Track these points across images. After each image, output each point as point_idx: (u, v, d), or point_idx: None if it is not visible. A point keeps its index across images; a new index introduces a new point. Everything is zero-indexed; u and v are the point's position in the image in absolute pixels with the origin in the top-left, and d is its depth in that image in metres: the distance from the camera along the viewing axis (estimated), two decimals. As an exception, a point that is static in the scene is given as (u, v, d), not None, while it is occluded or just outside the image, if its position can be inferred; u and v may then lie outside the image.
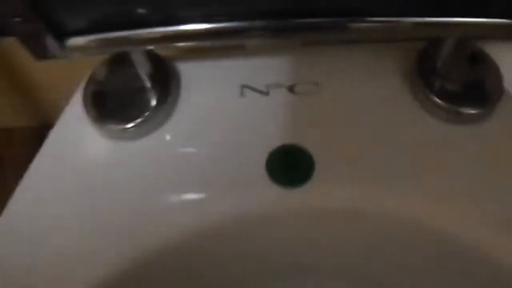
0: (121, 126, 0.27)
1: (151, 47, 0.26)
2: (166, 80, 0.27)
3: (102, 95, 0.27)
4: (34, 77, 0.72)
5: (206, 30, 0.22)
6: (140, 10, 0.22)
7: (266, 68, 0.29)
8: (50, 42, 0.23)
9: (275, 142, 0.26)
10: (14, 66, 0.69)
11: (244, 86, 0.28)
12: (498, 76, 0.30)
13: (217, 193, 0.25)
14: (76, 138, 0.28)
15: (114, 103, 0.27)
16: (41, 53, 0.24)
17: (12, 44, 0.65)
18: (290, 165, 0.26)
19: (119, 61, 0.27)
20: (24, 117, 0.78)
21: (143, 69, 0.26)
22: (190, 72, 0.28)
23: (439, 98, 0.28)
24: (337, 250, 0.31)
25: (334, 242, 0.30)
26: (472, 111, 0.28)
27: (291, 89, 0.28)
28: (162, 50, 0.28)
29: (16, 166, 0.74)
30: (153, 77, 0.27)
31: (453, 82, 0.29)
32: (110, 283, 0.25)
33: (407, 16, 0.25)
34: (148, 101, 0.27)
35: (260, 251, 0.30)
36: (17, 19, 0.22)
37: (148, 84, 0.27)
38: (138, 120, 0.27)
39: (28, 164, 0.74)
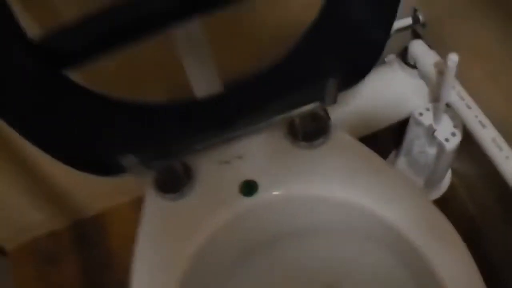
0: (172, 195, 0.61)
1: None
2: (188, 171, 0.62)
3: (164, 182, 0.62)
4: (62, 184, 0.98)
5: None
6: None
7: (228, 148, 0.64)
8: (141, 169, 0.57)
9: (242, 179, 0.62)
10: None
11: (220, 162, 0.63)
12: (327, 120, 0.66)
13: (222, 207, 0.60)
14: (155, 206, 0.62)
15: (168, 185, 0.61)
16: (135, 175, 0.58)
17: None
18: (249, 187, 0.61)
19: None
20: (64, 218, 1.07)
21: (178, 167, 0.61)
22: (195, 162, 0.63)
23: (300, 139, 0.64)
24: (289, 221, 0.66)
25: (287, 217, 0.65)
26: (317, 141, 0.64)
27: (240, 157, 0.64)
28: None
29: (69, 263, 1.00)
30: (183, 170, 0.62)
31: (305, 129, 0.64)
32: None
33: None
34: (183, 181, 0.62)
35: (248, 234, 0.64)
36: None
37: (182, 173, 0.62)
38: (180, 191, 0.61)
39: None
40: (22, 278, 1.06)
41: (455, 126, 0.78)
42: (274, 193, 0.62)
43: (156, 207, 0.61)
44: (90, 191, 1.01)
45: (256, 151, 0.64)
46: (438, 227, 0.58)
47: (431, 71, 0.78)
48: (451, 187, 0.95)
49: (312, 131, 0.65)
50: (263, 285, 0.69)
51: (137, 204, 0.65)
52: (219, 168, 0.63)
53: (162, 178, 0.62)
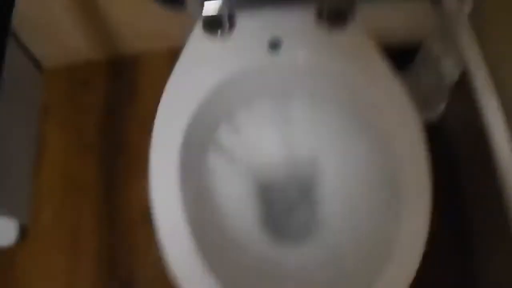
0: (214, 36, 0.75)
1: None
2: (231, 21, 0.76)
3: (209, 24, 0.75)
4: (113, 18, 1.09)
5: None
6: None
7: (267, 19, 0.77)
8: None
9: (271, 36, 0.75)
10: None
11: (257, 22, 0.76)
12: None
13: (251, 54, 0.74)
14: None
15: (213, 27, 0.75)
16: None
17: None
18: (274, 44, 0.75)
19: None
20: (104, 50, 1.19)
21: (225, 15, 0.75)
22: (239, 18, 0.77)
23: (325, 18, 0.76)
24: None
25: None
26: (339, 24, 0.77)
27: (274, 26, 0.77)
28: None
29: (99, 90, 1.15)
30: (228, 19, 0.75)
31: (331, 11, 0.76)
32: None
33: None
34: (225, 28, 0.75)
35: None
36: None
37: (226, 22, 0.75)
38: (222, 34, 0.74)
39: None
40: (53, 94, 1.22)
41: (457, 63, 0.90)
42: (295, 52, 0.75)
43: (197, 43, 0.75)
44: (136, 30, 1.14)
45: (287, 21, 0.77)
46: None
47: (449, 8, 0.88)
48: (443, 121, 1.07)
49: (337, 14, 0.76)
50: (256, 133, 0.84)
51: (172, 55, 0.77)
52: (254, 26, 0.76)
53: (209, 21, 0.75)
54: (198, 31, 0.76)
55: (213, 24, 0.75)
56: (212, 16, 0.75)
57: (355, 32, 0.77)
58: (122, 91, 1.19)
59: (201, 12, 0.72)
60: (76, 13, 1.08)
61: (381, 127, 0.72)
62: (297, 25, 0.77)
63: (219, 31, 0.75)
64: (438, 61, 0.91)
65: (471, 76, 0.87)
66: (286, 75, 0.78)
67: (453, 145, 1.08)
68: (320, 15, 0.77)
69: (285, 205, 0.86)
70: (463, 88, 0.94)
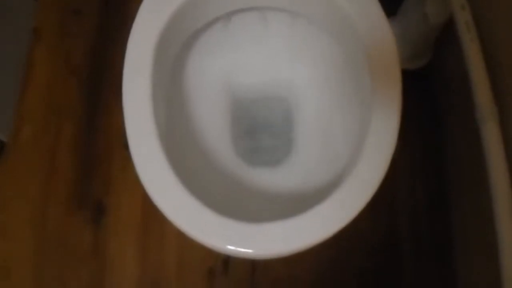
0: None
1: None
2: None
3: None
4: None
5: None
6: None
7: None
8: None
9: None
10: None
11: None
12: None
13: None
14: None
15: None
16: None
17: None
18: None
19: None
20: None
21: None
22: None
23: None
24: None
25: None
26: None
27: None
28: None
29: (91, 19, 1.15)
30: None
31: None
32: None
33: None
34: None
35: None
36: None
37: None
38: None
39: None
40: (46, 20, 1.21)
41: (443, 6, 0.90)
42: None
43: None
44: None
45: None
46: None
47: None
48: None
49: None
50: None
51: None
52: None
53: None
54: None
55: None
56: None
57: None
58: (114, 21, 1.18)
59: None
60: None
61: (360, 53, 0.71)
62: None
63: None
64: (424, 5, 0.90)
65: (455, 21, 0.87)
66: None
67: (438, 94, 1.08)
68: None
69: (260, 123, 0.86)
70: (451, 38, 0.94)
